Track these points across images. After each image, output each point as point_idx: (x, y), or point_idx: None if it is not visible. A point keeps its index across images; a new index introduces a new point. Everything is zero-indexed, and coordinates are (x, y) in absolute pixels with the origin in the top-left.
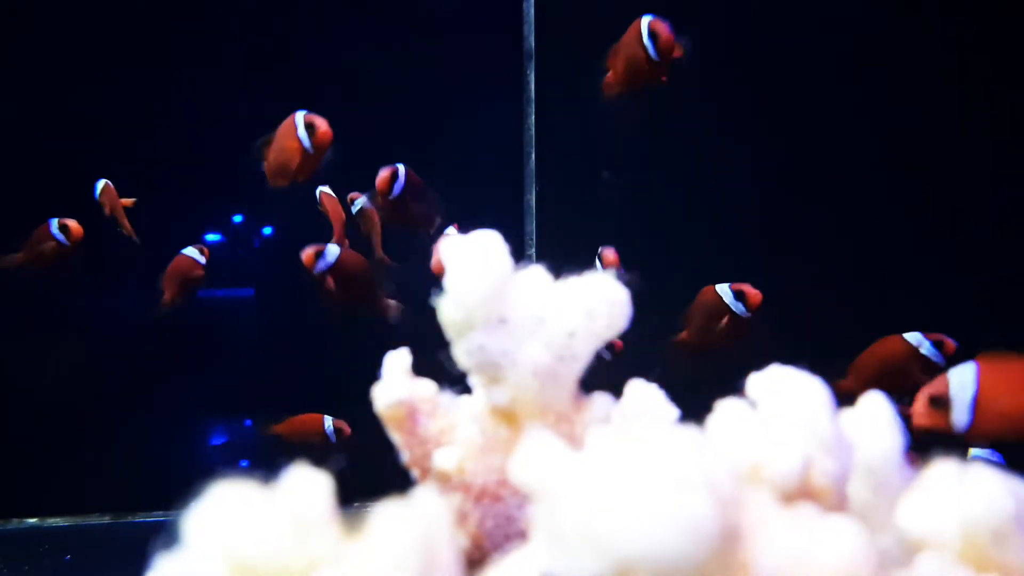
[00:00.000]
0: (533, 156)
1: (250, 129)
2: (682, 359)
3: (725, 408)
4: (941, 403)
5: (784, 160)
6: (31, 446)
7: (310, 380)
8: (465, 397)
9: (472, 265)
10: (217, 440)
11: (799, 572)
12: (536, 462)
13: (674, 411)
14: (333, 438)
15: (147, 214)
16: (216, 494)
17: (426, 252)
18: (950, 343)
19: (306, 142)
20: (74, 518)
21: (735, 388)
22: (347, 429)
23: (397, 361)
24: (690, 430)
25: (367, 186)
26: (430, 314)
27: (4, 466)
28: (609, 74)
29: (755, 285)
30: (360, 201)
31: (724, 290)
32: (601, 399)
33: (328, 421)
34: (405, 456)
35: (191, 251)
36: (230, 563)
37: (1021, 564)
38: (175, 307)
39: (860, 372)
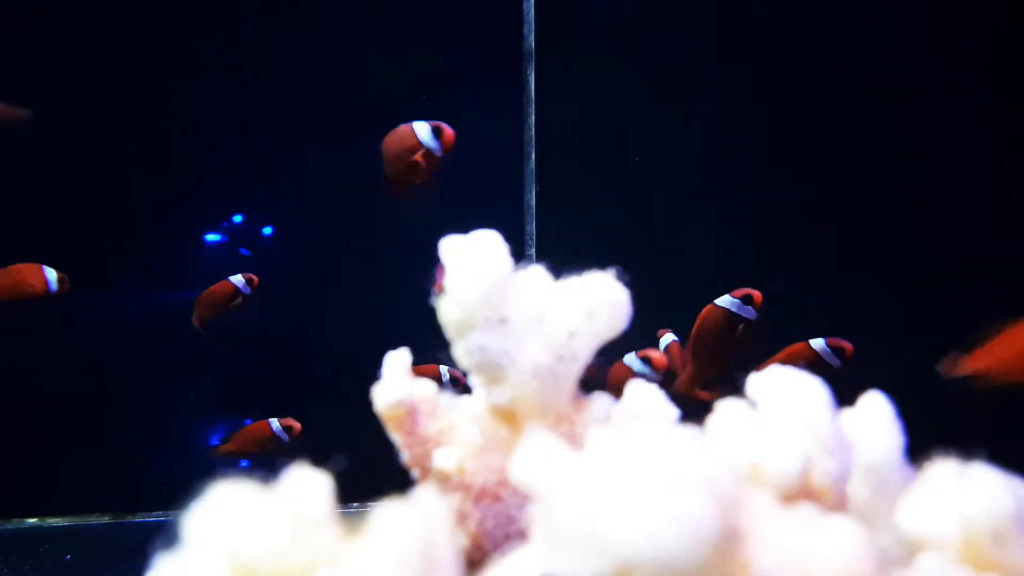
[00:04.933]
0: (533, 156)
1: (250, 129)
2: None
3: (725, 408)
4: None
5: (787, 160)
6: (31, 446)
7: (310, 380)
8: (465, 397)
9: (472, 265)
10: (217, 440)
11: (799, 572)
12: (536, 462)
13: (674, 411)
14: (285, 438)
15: (147, 214)
16: (216, 494)
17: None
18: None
19: (431, 143)
20: (74, 518)
21: (735, 388)
22: (297, 426)
23: (397, 361)
24: (690, 430)
25: (367, 186)
26: (430, 314)
27: (4, 466)
28: None
29: (755, 285)
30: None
31: (727, 300)
32: (601, 399)
33: (275, 423)
34: (405, 456)
35: (238, 279)
36: (230, 563)
37: (1021, 564)
38: (204, 327)
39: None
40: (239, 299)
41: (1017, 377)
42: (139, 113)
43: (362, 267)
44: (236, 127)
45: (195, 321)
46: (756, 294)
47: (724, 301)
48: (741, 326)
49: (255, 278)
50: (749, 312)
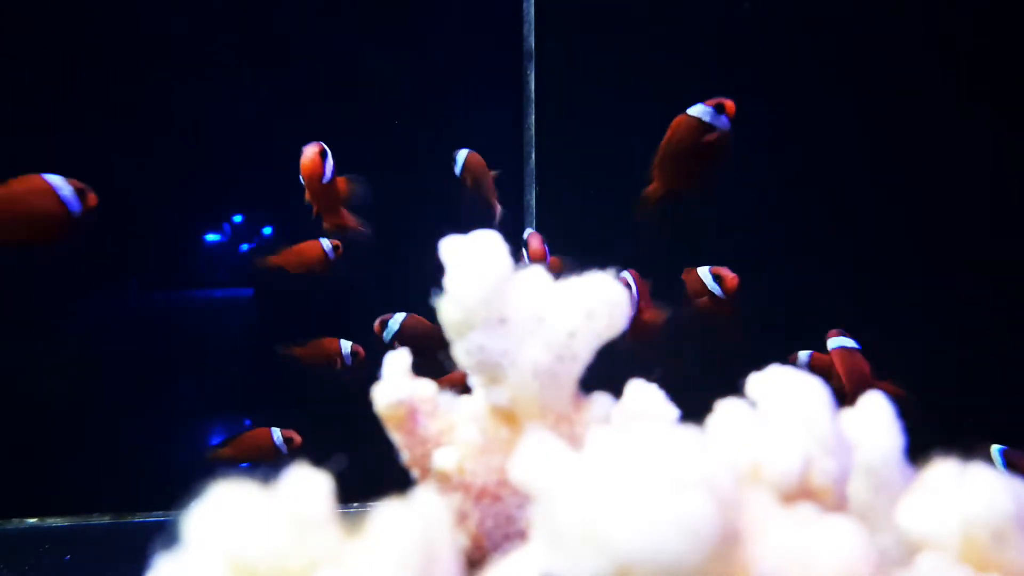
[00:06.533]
0: (533, 156)
1: (251, 129)
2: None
3: (725, 408)
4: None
5: (787, 159)
6: (31, 446)
7: (309, 380)
8: (465, 397)
9: (472, 265)
10: (217, 440)
11: (799, 572)
12: (536, 462)
13: (674, 411)
14: (284, 449)
15: (146, 213)
16: (216, 494)
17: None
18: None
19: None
20: (74, 518)
21: (735, 388)
22: (297, 438)
23: (397, 361)
24: (690, 430)
25: (371, 188)
26: (430, 314)
27: (4, 466)
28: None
29: (752, 282)
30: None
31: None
32: (601, 399)
33: (276, 433)
34: (405, 456)
35: (345, 345)
36: (230, 563)
37: (1021, 564)
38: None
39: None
40: (338, 361)
41: None
42: (139, 112)
43: (362, 266)
44: (236, 126)
45: (287, 351)
46: (729, 103)
47: (696, 110)
48: (714, 135)
49: (361, 352)
50: (723, 122)
